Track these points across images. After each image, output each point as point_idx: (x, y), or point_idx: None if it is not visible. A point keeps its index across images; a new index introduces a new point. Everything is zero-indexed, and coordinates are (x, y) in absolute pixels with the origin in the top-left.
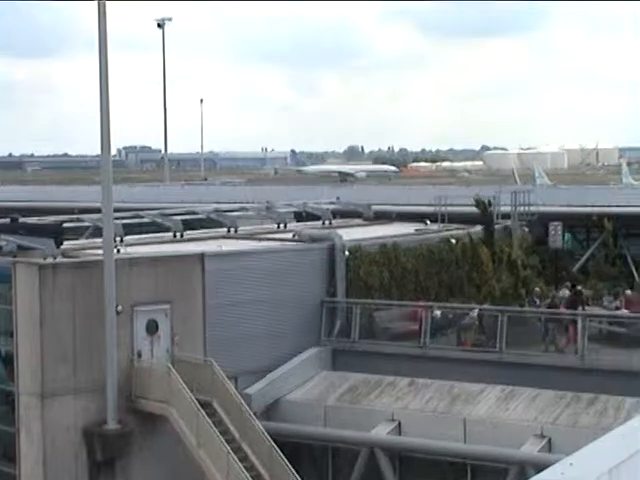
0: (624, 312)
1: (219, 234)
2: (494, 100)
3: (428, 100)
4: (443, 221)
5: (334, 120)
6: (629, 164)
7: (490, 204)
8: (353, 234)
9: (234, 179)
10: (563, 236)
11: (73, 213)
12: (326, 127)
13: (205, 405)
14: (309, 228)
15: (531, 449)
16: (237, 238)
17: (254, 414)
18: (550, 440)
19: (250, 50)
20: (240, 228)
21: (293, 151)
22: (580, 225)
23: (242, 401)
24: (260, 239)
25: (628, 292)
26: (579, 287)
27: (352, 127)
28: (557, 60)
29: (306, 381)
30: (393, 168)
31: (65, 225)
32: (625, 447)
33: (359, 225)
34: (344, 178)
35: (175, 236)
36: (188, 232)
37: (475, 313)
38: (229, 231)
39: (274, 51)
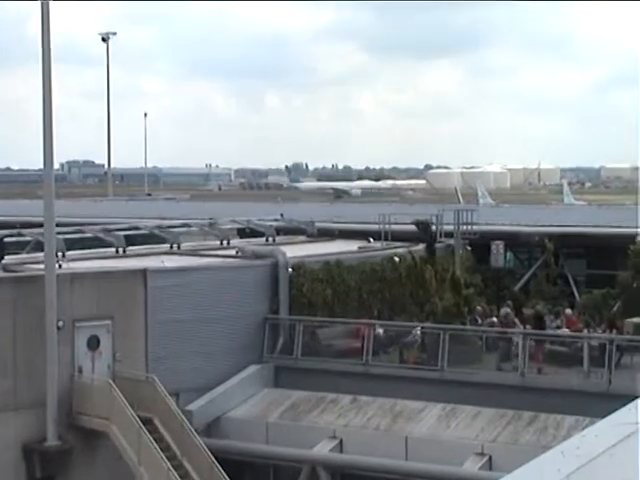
0: (565, 331)
1: (162, 250)
2: (437, 119)
3: (372, 118)
4: (386, 239)
5: (278, 137)
6: (570, 184)
7: (430, 224)
8: (296, 251)
9: (178, 195)
10: (505, 255)
11: (15, 227)
12: (270, 144)
13: (146, 422)
14: (252, 245)
15: (472, 467)
16: (180, 254)
17: (195, 431)
18: (491, 458)
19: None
20: (183, 244)
21: (287, 167)
22: (522, 244)
23: (183, 418)
24: (203, 255)
25: (568, 311)
26: (538, 307)
27: (296, 144)
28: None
29: (248, 398)
30: (387, 185)
31: (6, 239)
32: (565, 465)
33: (302, 242)
34: (339, 195)
35: (118, 252)
36: (131, 248)
37: (418, 331)
38: (172, 247)
39: (218, 67)
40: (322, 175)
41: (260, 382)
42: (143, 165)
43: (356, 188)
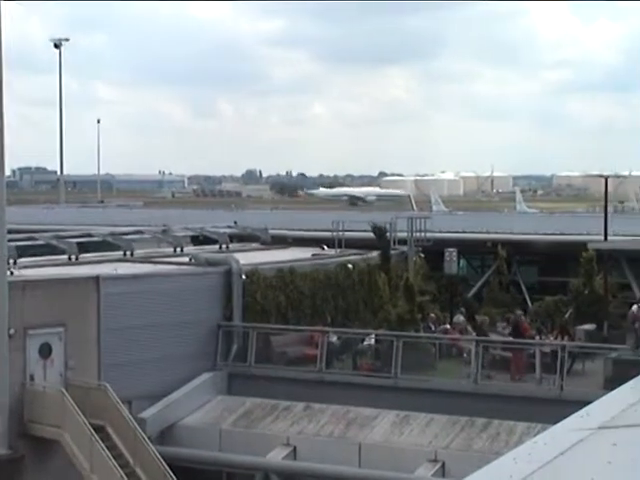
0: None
1: (115, 257)
2: (390, 126)
3: (325, 126)
4: (340, 246)
5: (231, 144)
6: (523, 191)
7: (386, 230)
8: (250, 258)
9: (131, 202)
10: (458, 262)
11: None
12: (223, 151)
13: (99, 429)
14: (206, 252)
15: (425, 473)
16: (133, 261)
17: (148, 438)
18: (444, 464)
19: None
20: (136, 251)
21: (303, 174)
22: (475, 252)
23: (136, 425)
24: (156, 262)
25: (522, 317)
26: (518, 312)
27: (250, 151)
28: (449, 88)
29: (201, 405)
30: (402, 192)
31: None
32: (517, 471)
33: (256, 249)
34: (354, 202)
35: (70, 259)
36: (83, 255)
37: (371, 338)
38: (125, 254)
39: (171, 74)
40: (275, 182)
41: (213, 389)
42: (96, 172)
43: (371, 195)
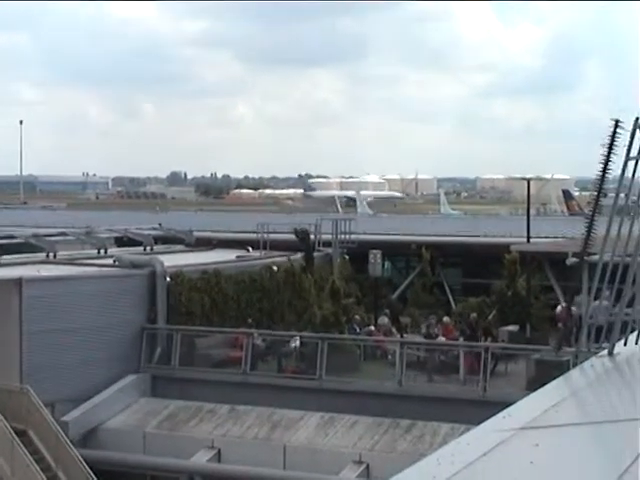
0: (441, 339)
1: (38, 259)
2: (316, 128)
3: (251, 127)
4: (265, 248)
5: (156, 145)
6: (447, 194)
7: (309, 233)
8: (174, 260)
9: (54, 203)
10: (383, 264)
11: None
12: (148, 152)
13: (20, 433)
14: (130, 254)
15: (349, 475)
16: (56, 263)
17: (71, 442)
18: (368, 466)
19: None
20: (59, 253)
21: (300, 175)
22: (399, 254)
23: (59, 429)
24: (80, 264)
25: (446, 319)
26: (474, 315)
27: (174, 153)
28: (374, 90)
29: (125, 408)
30: (399, 194)
31: None
32: (440, 472)
33: (181, 251)
34: (350, 203)
35: None
36: (5, 257)
37: (296, 340)
38: (48, 256)
39: (94, 74)
40: (200, 184)
41: (137, 392)
42: (19, 173)
43: (369, 197)
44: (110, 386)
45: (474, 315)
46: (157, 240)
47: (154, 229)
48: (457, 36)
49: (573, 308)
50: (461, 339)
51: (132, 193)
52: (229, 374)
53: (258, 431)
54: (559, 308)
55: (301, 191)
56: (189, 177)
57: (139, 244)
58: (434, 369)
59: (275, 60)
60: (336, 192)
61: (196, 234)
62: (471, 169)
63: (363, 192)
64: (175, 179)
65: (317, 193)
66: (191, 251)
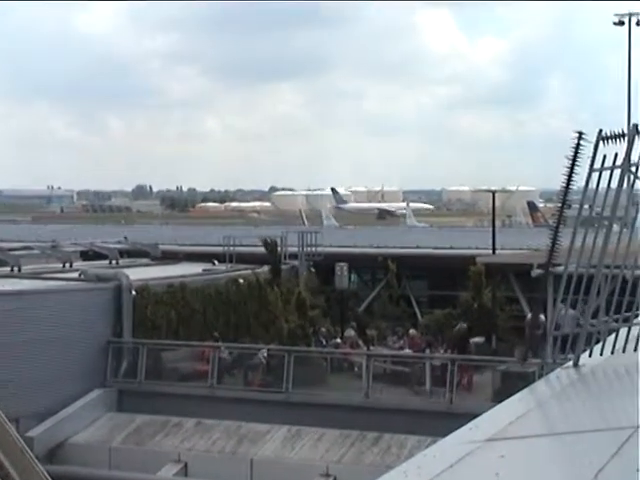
0: (407, 352)
1: (2, 273)
2: (281, 142)
3: (216, 141)
4: (231, 261)
5: (121, 158)
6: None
7: (277, 244)
8: (140, 274)
9: (19, 217)
10: (349, 277)
11: None
12: (113, 165)
13: None
14: (95, 267)
15: None
16: (21, 277)
17: (37, 457)
18: (335, 478)
19: (34, 86)
20: (24, 267)
21: (333, 189)
22: (366, 266)
23: (24, 444)
24: (45, 278)
25: (413, 332)
26: (464, 325)
27: (140, 166)
28: (339, 104)
29: (91, 423)
30: (429, 206)
31: None
32: None
33: (147, 265)
34: (383, 216)
35: None
36: None
37: (263, 353)
38: (12, 270)
39: (59, 87)
40: (166, 197)
41: (103, 406)
42: None
43: (401, 209)
44: (76, 401)
45: (464, 326)
46: (123, 254)
47: (120, 242)
48: (420, 49)
49: (541, 317)
50: (427, 351)
51: (97, 206)
52: (195, 388)
53: (225, 445)
54: (529, 317)
55: (267, 204)
56: (155, 190)
57: (104, 258)
58: (401, 381)
59: (240, 74)
60: (366, 204)
61: (162, 247)
62: (437, 181)
63: (395, 204)
64: (140, 192)
65: (349, 206)
66: (157, 264)
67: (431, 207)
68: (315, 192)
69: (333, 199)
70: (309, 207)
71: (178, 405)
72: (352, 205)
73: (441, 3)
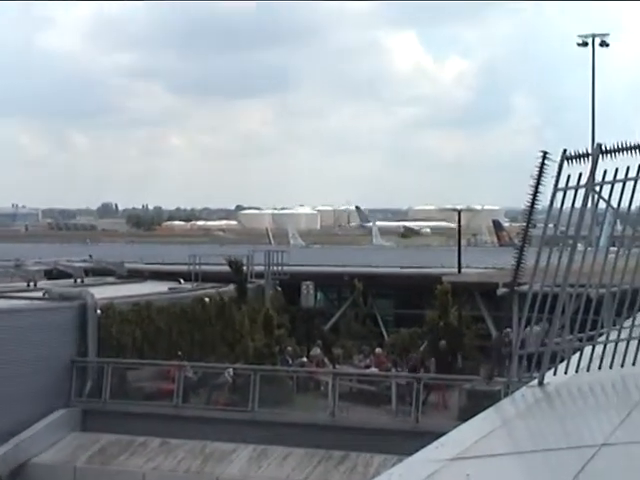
0: (373, 370)
1: None
2: (247, 160)
3: (182, 159)
4: (197, 280)
5: (87, 177)
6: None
7: (242, 263)
8: (105, 292)
9: None
10: (315, 295)
11: None
12: (79, 183)
13: None
14: (60, 286)
15: None
16: None
17: (0, 478)
18: None
19: None
20: None
21: (358, 207)
22: (332, 285)
23: None
24: (9, 297)
25: (378, 350)
26: (442, 342)
27: (105, 184)
28: (305, 122)
29: (54, 443)
30: (453, 225)
31: None
32: None
33: (112, 283)
34: (407, 234)
35: None
36: None
37: (230, 372)
38: None
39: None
40: (132, 215)
41: (67, 426)
42: None
43: (426, 227)
44: (39, 420)
45: (443, 342)
46: (88, 272)
47: (85, 261)
48: (386, 69)
49: (508, 331)
50: (393, 370)
51: (62, 225)
52: (161, 407)
53: (190, 464)
54: (496, 335)
55: (233, 223)
56: (120, 209)
57: (69, 276)
58: (367, 400)
59: (206, 91)
60: (393, 223)
61: (127, 266)
62: (403, 200)
63: (419, 222)
64: (106, 211)
65: (378, 225)
66: (122, 283)
67: (452, 226)
68: (281, 211)
69: (357, 217)
70: (276, 226)
71: (143, 424)
72: (377, 224)
73: (407, 24)
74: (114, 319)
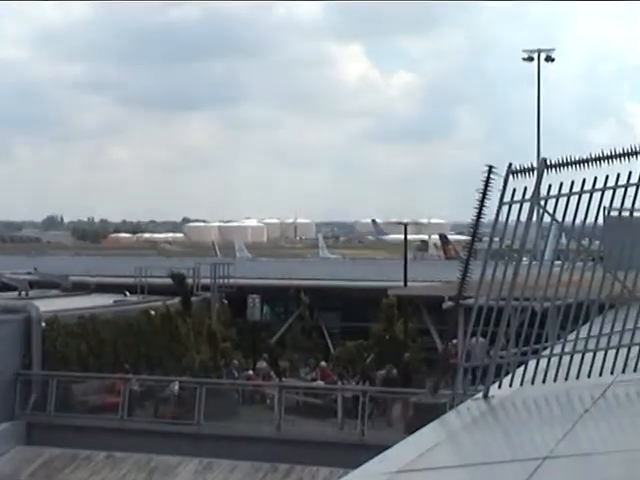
0: (319, 383)
1: None
2: (194, 172)
3: (128, 171)
4: (143, 292)
5: (31, 189)
6: (325, 238)
7: (185, 277)
8: (50, 305)
9: None
10: (262, 308)
11: None
12: (23, 196)
13: None
14: (4, 299)
15: None
16: None
17: None
18: None
19: None
20: None
21: (374, 220)
22: (278, 298)
23: None
24: None
25: (323, 364)
26: (407, 354)
27: (51, 196)
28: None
29: None
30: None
31: None
32: None
33: (57, 296)
34: (424, 247)
35: None
36: None
37: (175, 385)
38: None
39: None
40: (77, 228)
41: (11, 440)
42: None
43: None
44: None
45: (407, 355)
46: (33, 285)
47: (29, 274)
48: (333, 82)
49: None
50: (339, 383)
51: (7, 237)
52: (106, 420)
53: (135, 478)
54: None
55: (180, 235)
56: (66, 221)
57: (14, 289)
58: (313, 413)
59: (152, 104)
60: (409, 236)
61: (73, 279)
62: (349, 213)
63: (435, 236)
64: (51, 223)
65: (390, 237)
66: (67, 296)
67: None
68: (228, 223)
69: (374, 230)
70: (222, 239)
71: (88, 438)
72: (393, 237)
73: (355, 36)
74: (59, 332)
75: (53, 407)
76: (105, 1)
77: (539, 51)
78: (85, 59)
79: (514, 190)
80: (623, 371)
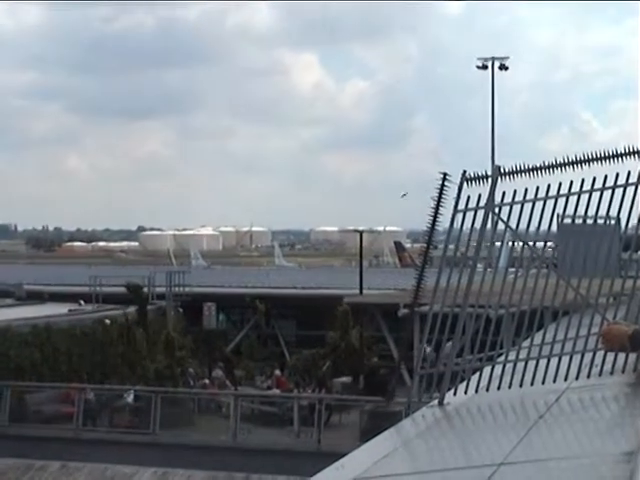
0: (275, 392)
1: None
2: (148, 181)
3: (82, 179)
4: (98, 301)
5: None
6: (281, 246)
7: (141, 286)
8: (4, 315)
9: None
10: (217, 317)
11: None
12: None
13: None
14: None
15: None
16: None
17: None
18: None
19: None
20: None
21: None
22: (234, 306)
23: None
24: None
25: (277, 372)
26: (374, 359)
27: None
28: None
29: None
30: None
31: None
32: None
33: (10, 305)
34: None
35: None
36: None
37: (130, 394)
38: None
39: None
40: (31, 237)
41: None
42: None
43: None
44: None
45: (375, 360)
46: None
47: None
48: (288, 90)
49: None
50: (295, 391)
51: None
52: (60, 430)
53: None
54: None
55: (135, 244)
56: (20, 230)
57: None
58: (269, 421)
59: (106, 112)
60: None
61: (27, 288)
62: (305, 221)
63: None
64: (5, 232)
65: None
66: (21, 305)
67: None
68: (183, 232)
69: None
70: (177, 247)
71: (42, 448)
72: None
73: (309, 45)
74: (12, 341)
75: (7, 417)
76: (57, 10)
77: (493, 59)
78: (37, 67)
79: (468, 197)
80: (577, 377)
